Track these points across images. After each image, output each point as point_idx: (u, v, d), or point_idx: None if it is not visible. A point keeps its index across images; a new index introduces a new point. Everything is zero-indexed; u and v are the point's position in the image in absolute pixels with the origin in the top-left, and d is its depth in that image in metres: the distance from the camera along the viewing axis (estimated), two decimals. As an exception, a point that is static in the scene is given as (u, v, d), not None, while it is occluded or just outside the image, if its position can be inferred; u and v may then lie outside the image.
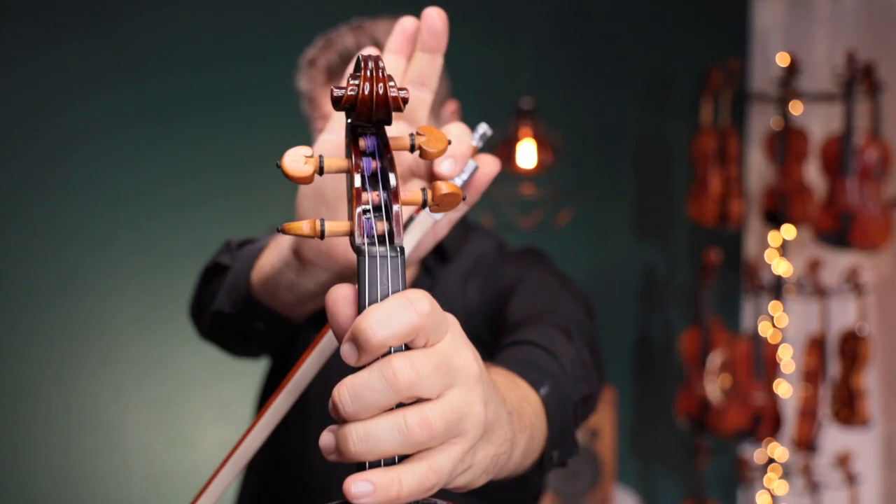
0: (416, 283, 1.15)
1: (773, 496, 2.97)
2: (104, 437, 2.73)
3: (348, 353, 0.49)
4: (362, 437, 0.47)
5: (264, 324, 0.98)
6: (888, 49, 3.00)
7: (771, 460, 2.97)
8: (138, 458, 2.75)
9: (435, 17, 0.72)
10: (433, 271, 1.16)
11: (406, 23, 0.75)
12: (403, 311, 0.48)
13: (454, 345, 0.51)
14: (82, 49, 2.71)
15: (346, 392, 0.47)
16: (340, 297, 0.51)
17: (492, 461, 0.57)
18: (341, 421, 0.49)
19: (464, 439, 0.51)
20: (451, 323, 0.52)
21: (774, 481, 2.97)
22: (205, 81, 2.79)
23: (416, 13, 0.75)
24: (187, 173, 2.76)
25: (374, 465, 0.49)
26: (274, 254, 0.89)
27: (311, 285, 0.85)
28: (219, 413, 2.81)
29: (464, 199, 0.54)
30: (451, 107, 1.19)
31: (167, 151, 2.76)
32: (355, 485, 0.47)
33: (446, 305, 1.12)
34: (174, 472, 2.76)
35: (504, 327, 1.02)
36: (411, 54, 0.75)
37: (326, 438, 0.49)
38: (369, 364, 0.49)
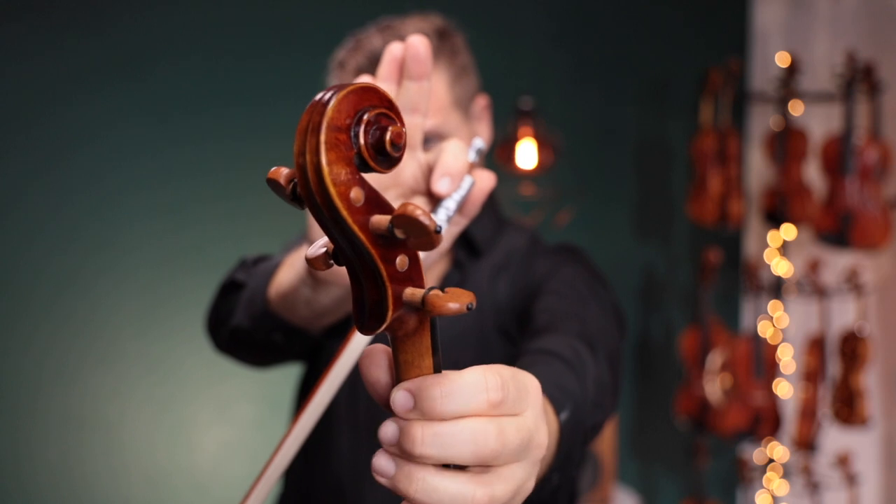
0: (446, 278, 1.15)
1: (773, 496, 2.97)
2: (104, 437, 2.73)
3: (401, 403, 0.47)
4: (427, 490, 0.46)
5: (282, 336, 1.00)
6: (888, 49, 3.00)
7: (771, 460, 2.97)
8: (138, 458, 2.75)
9: (418, 46, 0.74)
10: (464, 266, 1.16)
11: (395, 49, 0.76)
12: (477, 395, 0.46)
13: (536, 421, 0.50)
14: (82, 48, 2.71)
15: (429, 436, 0.46)
16: (374, 363, 0.49)
17: None
18: (400, 453, 0.47)
19: None
20: (534, 393, 0.50)
21: (774, 481, 2.97)
22: (204, 80, 2.79)
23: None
24: (187, 172, 2.76)
25: None
26: (290, 271, 0.92)
27: (327, 301, 0.89)
28: (219, 413, 2.81)
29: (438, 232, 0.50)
30: (482, 102, 1.20)
31: (167, 150, 2.76)
32: None
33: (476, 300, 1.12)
34: (174, 472, 2.76)
35: (529, 326, 1.02)
36: (401, 79, 0.76)
37: (383, 462, 0.48)
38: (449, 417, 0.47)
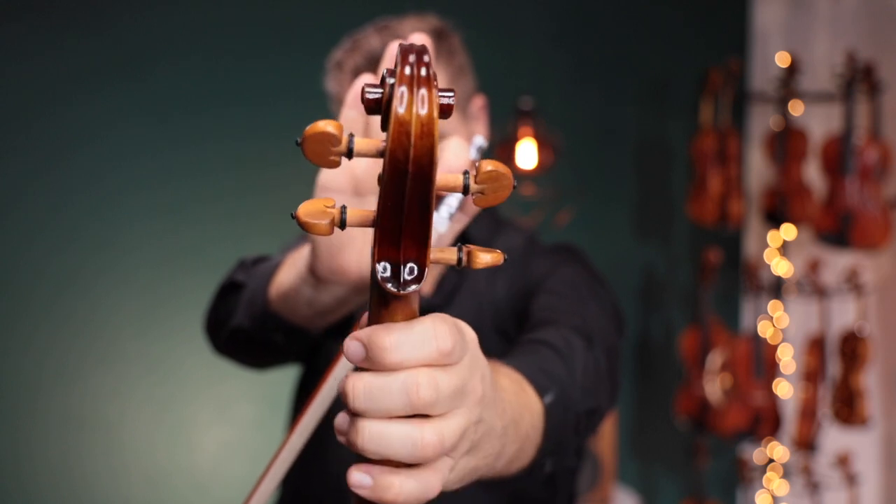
0: (444, 279, 1.15)
1: (773, 496, 2.97)
2: (104, 437, 2.73)
3: (354, 353, 0.48)
4: (374, 436, 0.48)
5: (282, 336, 1.00)
6: (888, 49, 3.00)
7: (771, 460, 2.97)
8: (138, 458, 2.75)
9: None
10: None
11: (395, 48, 0.76)
12: (426, 344, 0.48)
13: (471, 368, 0.51)
14: (82, 48, 2.71)
15: (361, 389, 0.47)
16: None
17: (470, 472, 0.57)
18: (348, 411, 0.49)
19: (453, 455, 0.52)
20: (470, 340, 0.52)
21: (774, 481, 2.96)
22: (204, 80, 2.79)
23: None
24: (187, 172, 2.76)
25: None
26: (291, 270, 0.92)
27: (329, 300, 0.88)
28: (219, 413, 2.81)
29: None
30: (479, 102, 1.20)
31: (167, 150, 2.76)
32: (357, 475, 0.49)
33: (474, 300, 1.13)
34: (174, 472, 2.77)
35: (527, 323, 1.02)
36: None
37: (341, 420, 0.50)
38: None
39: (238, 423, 2.81)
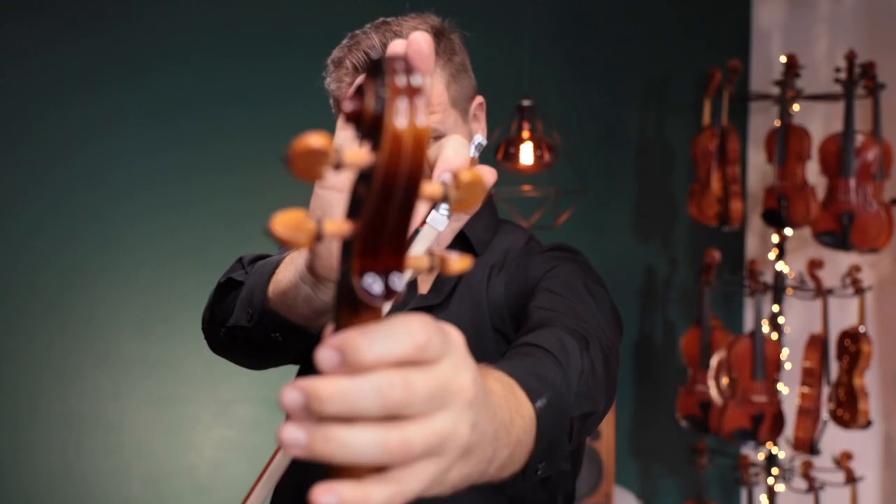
0: (441, 278, 1.15)
1: (773, 496, 2.97)
2: (104, 437, 2.73)
3: (327, 360, 0.47)
4: (341, 443, 0.46)
5: (281, 335, 1.00)
6: (888, 49, 2.99)
7: (771, 460, 2.97)
8: (138, 458, 2.75)
9: (420, 42, 0.73)
10: None
11: (398, 46, 0.76)
12: (400, 339, 0.47)
13: (454, 367, 0.50)
14: (82, 48, 2.71)
15: (335, 391, 0.46)
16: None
17: (463, 479, 0.56)
18: (308, 416, 0.47)
19: (441, 461, 0.50)
20: (454, 341, 0.51)
21: (774, 481, 2.96)
22: (204, 80, 2.79)
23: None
24: (187, 172, 2.76)
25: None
26: (290, 268, 0.92)
27: (328, 298, 0.88)
28: (219, 413, 2.81)
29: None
30: (478, 99, 1.20)
31: (167, 150, 2.76)
32: (323, 496, 0.46)
33: (472, 299, 1.12)
34: (174, 472, 2.76)
35: (524, 323, 1.01)
36: None
37: (294, 433, 0.47)
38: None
39: (238, 423, 2.81)
